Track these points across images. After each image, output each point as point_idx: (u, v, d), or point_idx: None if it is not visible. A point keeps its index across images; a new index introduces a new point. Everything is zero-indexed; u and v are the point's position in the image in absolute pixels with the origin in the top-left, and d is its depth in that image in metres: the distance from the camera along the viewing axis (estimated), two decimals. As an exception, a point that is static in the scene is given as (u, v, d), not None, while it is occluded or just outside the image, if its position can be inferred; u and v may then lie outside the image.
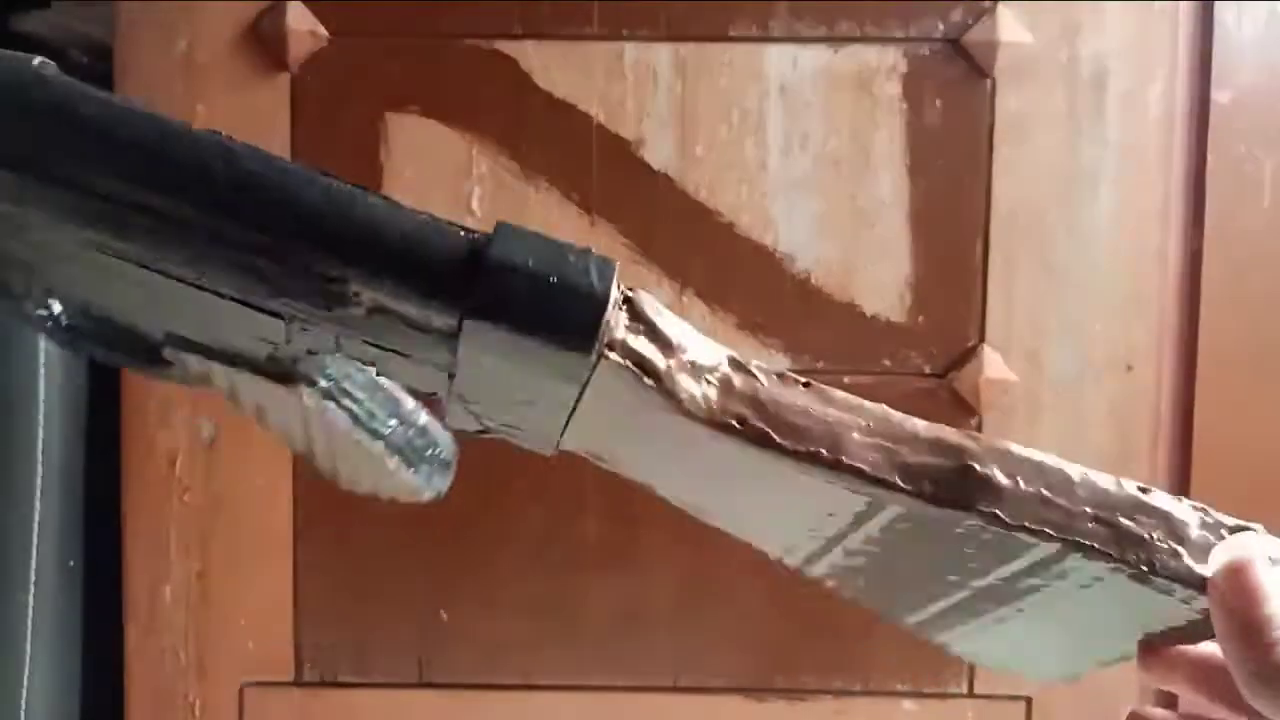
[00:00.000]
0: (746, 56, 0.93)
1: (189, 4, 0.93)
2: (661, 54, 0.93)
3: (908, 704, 0.98)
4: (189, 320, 0.40)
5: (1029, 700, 0.98)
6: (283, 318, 0.37)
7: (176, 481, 0.96)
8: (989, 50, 0.93)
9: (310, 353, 0.39)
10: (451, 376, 0.37)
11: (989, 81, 0.93)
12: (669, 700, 0.98)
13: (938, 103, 0.93)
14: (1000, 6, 0.92)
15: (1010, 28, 0.93)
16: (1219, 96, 0.94)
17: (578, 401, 0.36)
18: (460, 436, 0.45)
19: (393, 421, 0.48)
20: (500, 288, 0.34)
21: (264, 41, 0.93)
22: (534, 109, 0.93)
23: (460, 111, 0.94)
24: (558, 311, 0.34)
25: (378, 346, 0.37)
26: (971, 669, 0.98)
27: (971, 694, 0.98)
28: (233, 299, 0.37)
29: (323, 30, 0.93)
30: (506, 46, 0.93)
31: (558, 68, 0.93)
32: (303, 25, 0.93)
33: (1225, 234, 0.95)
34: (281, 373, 0.42)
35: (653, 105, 0.94)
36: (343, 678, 0.99)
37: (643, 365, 0.35)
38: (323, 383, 0.45)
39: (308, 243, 0.35)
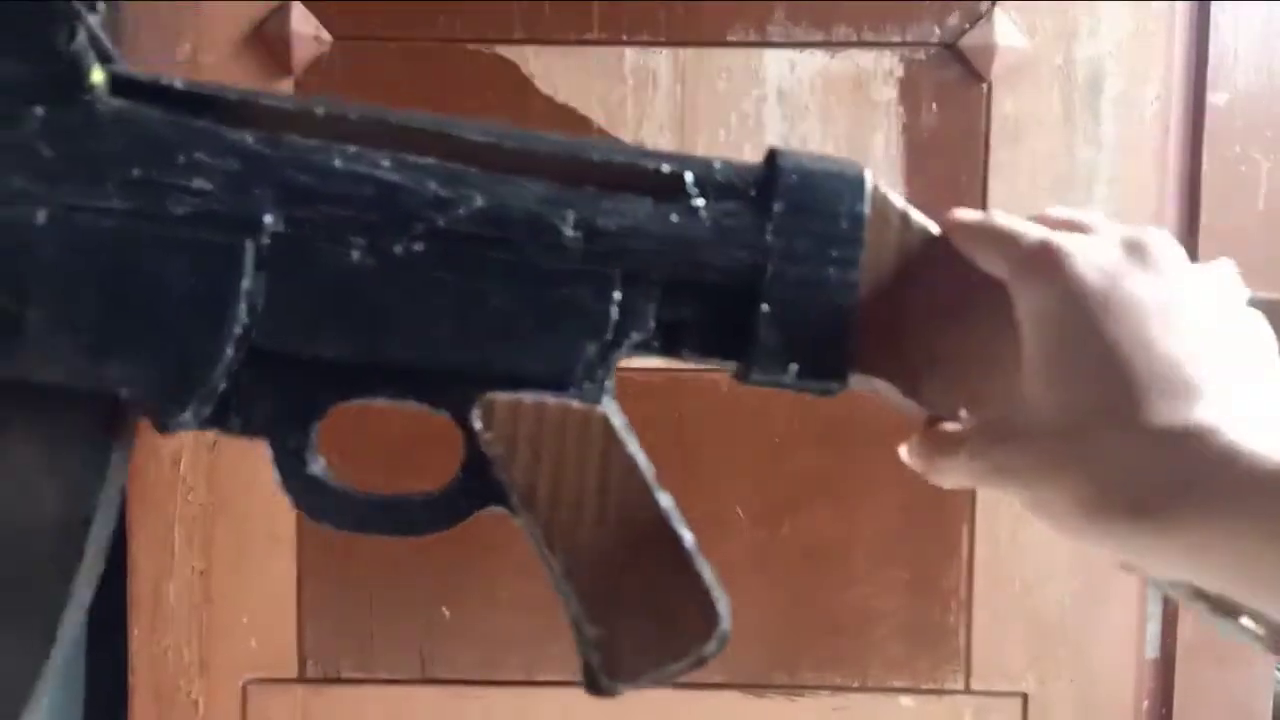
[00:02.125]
0: (745, 61, 0.94)
1: (193, 6, 0.94)
2: (661, 58, 0.94)
3: (905, 700, 0.99)
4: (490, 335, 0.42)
5: (1025, 696, 0.99)
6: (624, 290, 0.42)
7: (180, 480, 0.97)
8: (985, 54, 0.93)
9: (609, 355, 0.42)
10: (755, 301, 0.42)
11: (985, 85, 0.94)
12: (669, 696, 0.99)
13: (934, 106, 0.94)
14: (996, 10, 0.93)
15: (1006, 31, 0.93)
16: (1214, 98, 0.95)
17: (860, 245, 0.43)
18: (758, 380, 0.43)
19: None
20: (790, 171, 0.43)
21: (268, 45, 0.94)
22: (535, 112, 0.94)
23: (462, 115, 0.94)
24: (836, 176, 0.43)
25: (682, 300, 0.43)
26: (969, 666, 0.99)
27: (969, 690, 0.99)
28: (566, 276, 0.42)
29: (326, 34, 0.94)
30: (508, 51, 0.94)
31: (558, 72, 0.94)
32: (306, 29, 0.93)
33: (1220, 235, 0.95)
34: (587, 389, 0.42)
35: (652, 109, 0.94)
36: (345, 674, 0.99)
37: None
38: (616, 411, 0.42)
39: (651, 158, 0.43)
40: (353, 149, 0.41)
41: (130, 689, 0.99)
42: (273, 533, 0.97)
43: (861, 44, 0.94)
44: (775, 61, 0.94)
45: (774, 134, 0.94)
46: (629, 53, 0.94)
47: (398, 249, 0.40)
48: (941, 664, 0.99)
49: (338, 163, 0.41)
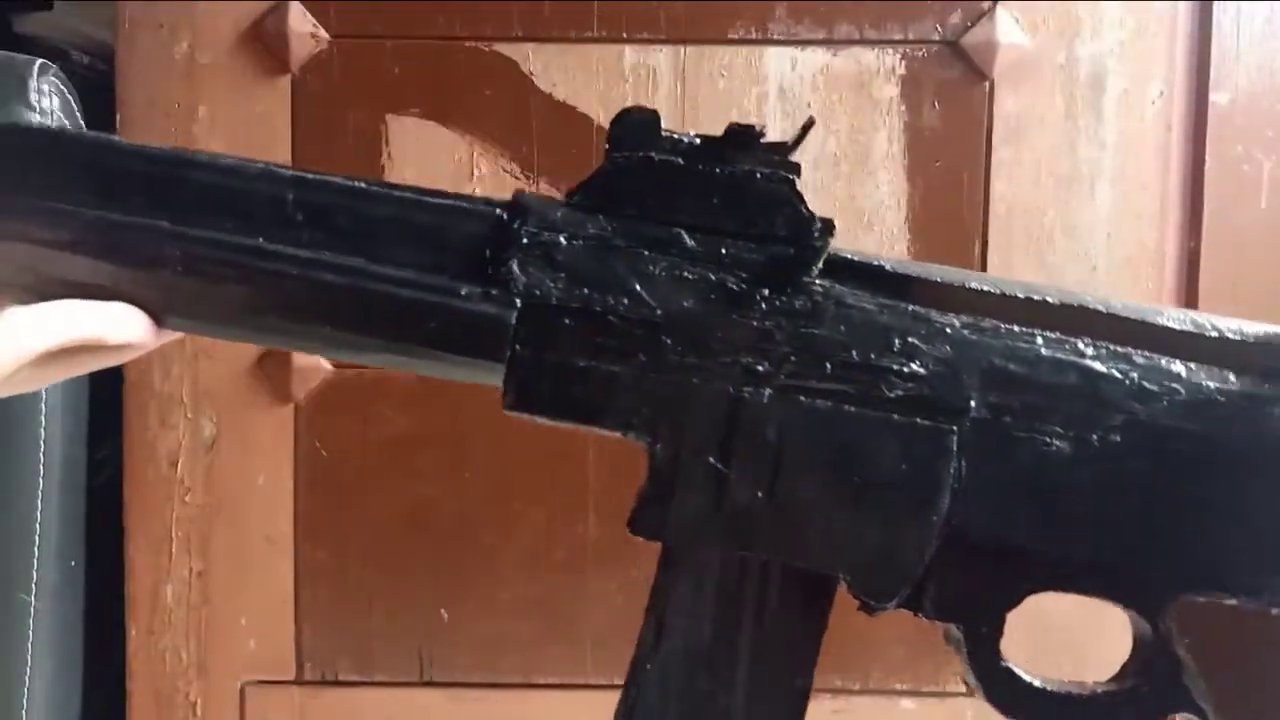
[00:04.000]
0: (746, 59, 0.94)
1: (190, 5, 0.93)
2: (661, 56, 0.94)
3: (907, 703, 0.98)
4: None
5: (1027, 699, 0.98)
6: None
7: (178, 482, 0.97)
8: (987, 52, 0.93)
9: None
10: None
11: (987, 83, 0.94)
12: (669, 699, 0.98)
13: (936, 104, 0.94)
14: (998, 8, 0.93)
15: (1008, 29, 0.93)
16: (1217, 97, 0.95)
17: None
18: None
19: None
20: None
21: (265, 43, 0.93)
22: (535, 111, 0.94)
23: (461, 113, 0.94)
24: None
25: None
26: (970, 668, 0.98)
27: (971, 693, 0.98)
28: None
29: (324, 32, 0.93)
30: (507, 48, 0.94)
31: (558, 69, 0.94)
32: (304, 27, 0.93)
33: (1222, 234, 0.95)
34: None
35: (653, 107, 0.94)
36: (343, 676, 0.99)
37: None
38: None
39: None
40: (1054, 335, 0.40)
41: (128, 691, 0.98)
42: (270, 534, 0.97)
43: (863, 42, 0.93)
44: (776, 59, 0.93)
45: (775, 131, 0.93)
46: (629, 50, 0.94)
47: (1095, 439, 0.40)
48: (944, 666, 0.98)
49: (1042, 349, 0.40)
